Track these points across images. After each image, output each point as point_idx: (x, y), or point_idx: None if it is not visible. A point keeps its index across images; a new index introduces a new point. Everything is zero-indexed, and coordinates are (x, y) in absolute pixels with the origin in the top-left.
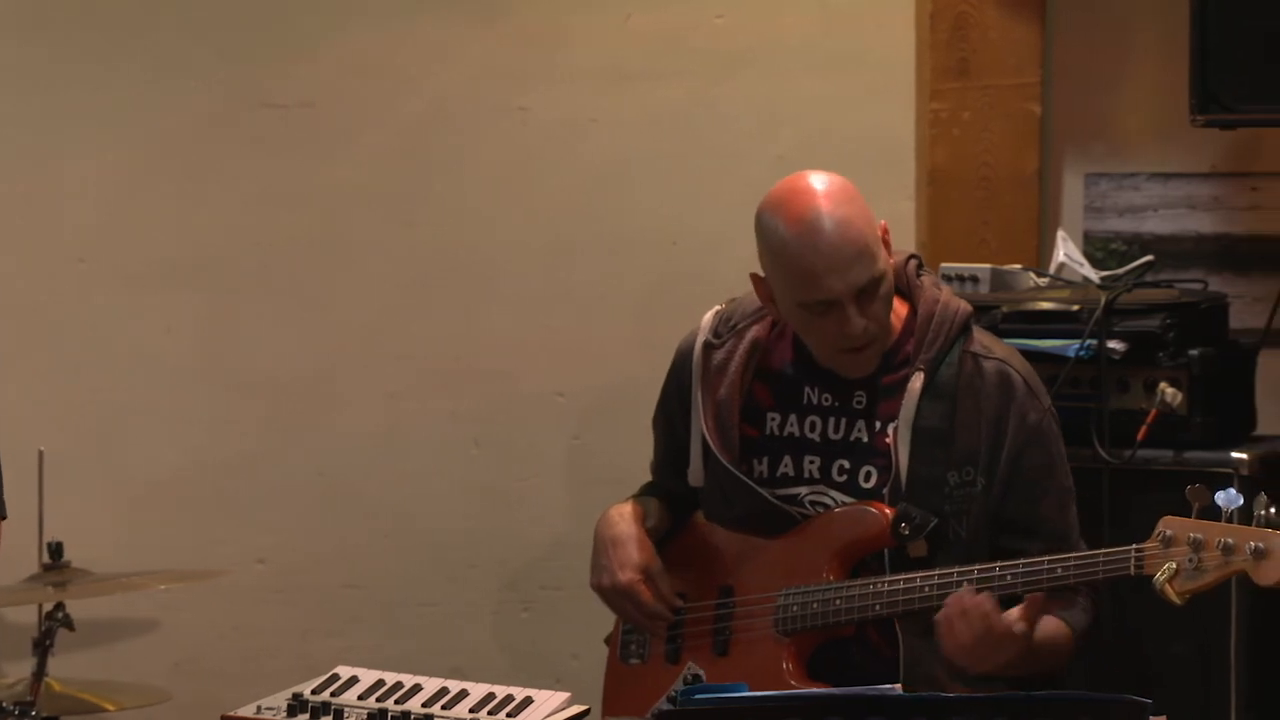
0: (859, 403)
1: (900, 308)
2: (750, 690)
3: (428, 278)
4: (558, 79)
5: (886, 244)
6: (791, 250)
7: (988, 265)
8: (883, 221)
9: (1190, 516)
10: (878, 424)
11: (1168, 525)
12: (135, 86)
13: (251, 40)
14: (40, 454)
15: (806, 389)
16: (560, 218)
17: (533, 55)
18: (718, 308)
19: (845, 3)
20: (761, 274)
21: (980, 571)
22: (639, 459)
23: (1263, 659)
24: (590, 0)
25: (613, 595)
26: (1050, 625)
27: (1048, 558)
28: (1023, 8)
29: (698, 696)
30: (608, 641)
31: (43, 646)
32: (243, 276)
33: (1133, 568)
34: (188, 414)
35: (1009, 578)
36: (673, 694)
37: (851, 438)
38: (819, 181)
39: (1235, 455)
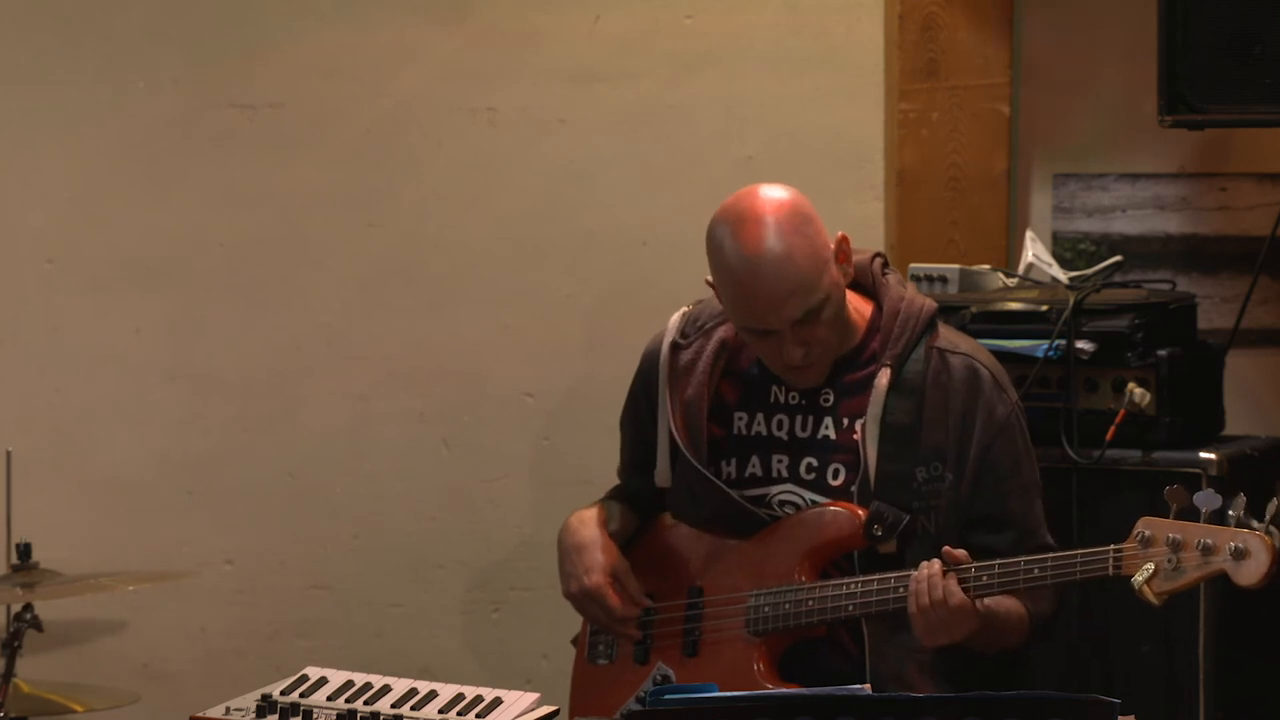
0: (826, 400)
1: (865, 306)
2: (721, 691)
3: (396, 278)
4: (526, 79)
5: (845, 256)
6: (731, 277)
7: (956, 266)
8: (840, 233)
9: (1168, 517)
10: (845, 421)
11: (1146, 526)
12: (103, 87)
13: (219, 41)
14: (8, 454)
15: (774, 388)
16: (528, 218)
17: (501, 55)
18: (685, 309)
19: (814, 3)
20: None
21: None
22: (608, 459)
23: (1231, 657)
24: (559, 1)
25: (583, 600)
26: (1006, 602)
27: (1024, 558)
28: (991, 9)
29: (668, 697)
30: (575, 642)
31: (11, 647)
32: (211, 277)
33: (1111, 568)
34: (155, 414)
35: (985, 578)
36: (642, 694)
37: (819, 435)
38: (769, 204)
39: (1204, 455)
